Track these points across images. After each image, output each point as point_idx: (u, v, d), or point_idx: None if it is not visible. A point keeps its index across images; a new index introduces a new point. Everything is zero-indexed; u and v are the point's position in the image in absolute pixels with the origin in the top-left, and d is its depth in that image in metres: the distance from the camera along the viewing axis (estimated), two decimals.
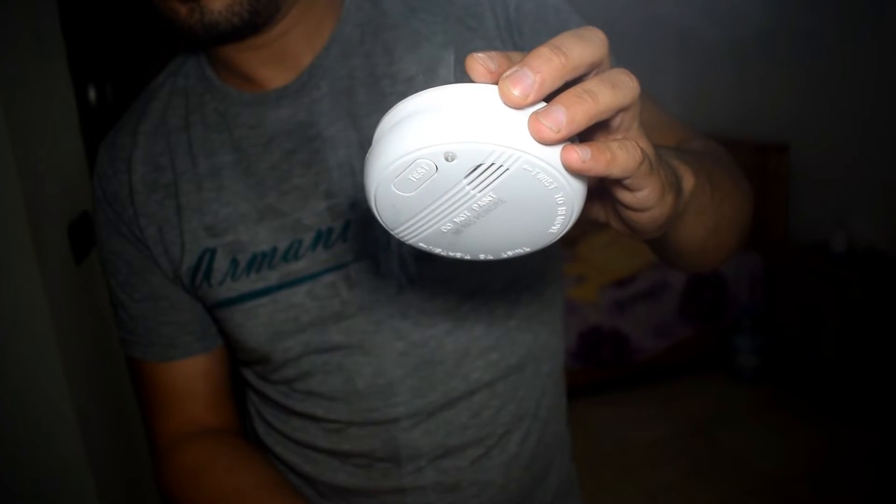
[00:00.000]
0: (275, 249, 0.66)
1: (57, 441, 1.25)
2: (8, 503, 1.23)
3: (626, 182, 0.36)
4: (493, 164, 0.33)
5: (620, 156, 0.34)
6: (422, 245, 0.39)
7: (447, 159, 0.32)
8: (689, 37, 3.42)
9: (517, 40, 0.65)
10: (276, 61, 0.65)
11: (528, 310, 0.74)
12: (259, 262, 0.66)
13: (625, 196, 0.39)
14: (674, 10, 3.31)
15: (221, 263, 0.67)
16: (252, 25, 0.60)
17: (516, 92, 0.32)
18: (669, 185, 0.40)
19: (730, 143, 2.61)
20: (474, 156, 0.32)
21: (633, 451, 2.57)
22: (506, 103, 0.32)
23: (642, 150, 0.35)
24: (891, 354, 2.44)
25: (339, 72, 0.65)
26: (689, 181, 0.45)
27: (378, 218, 0.38)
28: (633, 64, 0.67)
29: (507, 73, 0.32)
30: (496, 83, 0.33)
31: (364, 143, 0.64)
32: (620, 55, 0.64)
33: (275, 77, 0.66)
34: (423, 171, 0.33)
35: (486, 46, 0.65)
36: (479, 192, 0.34)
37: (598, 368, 2.85)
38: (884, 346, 2.45)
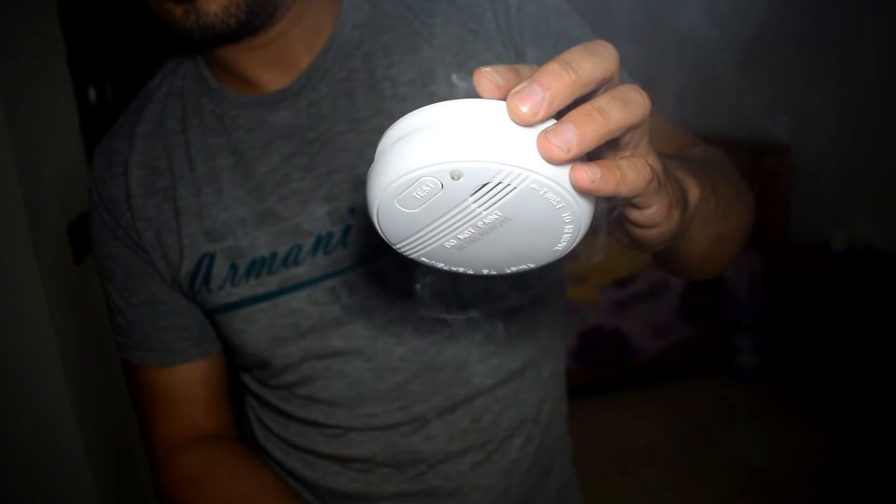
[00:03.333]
0: (274, 254, 0.65)
1: (57, 440, 1.25)
2: (8, 501, 1.23)
3: (635, 200, 0.36)
4: (500, 182, 0.32)
5: (630, 175, 0.33)
6: (424, 260, 0.39)
7: (453, 178, 0.32)
8: (689, 37, 3.41)
9: (518, 42, 0.65)
10: (274, 63, 0.65)
11: (529, 314, 0.73)
12: (259, 267, 0.66)
13: (632, 213, 0.38)
14: (674, 10, 3.30)
15: (221, 268, 0.66)
16: (249, 27, 0.59)
17: (525, 109, 0.31)
18: (677, 201, 0.39)
19: (730, 143, 2.62)
20: (481, 175, 0.32)
21: (633, 451, 2.56)
22: (514, 120, 0.31)
23: (651, 168, 0.34)
24: (891, 354, 2.43)
25: (338, 74, 0.65)
26: (694, 193, 0.44)
27: (380, 233, 0.37)
28: (633, 64, 0.66)
29: (516, 89, 0.31)
30: (503, 98, 0.32)
31: (364, 146, 0.64)
32: (621, 55, 0.64)
33: (273, 79, 0.66)
34: (428, 188, 0.33)
35: (487, 48, 0.65)
36: (485, 210, 0.33)
37: (598, 368, 2.84)
38: (883, 345, 2.44)
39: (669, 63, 3.55)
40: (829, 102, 2.82)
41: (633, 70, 0.65)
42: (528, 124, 0.31)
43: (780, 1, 2.92)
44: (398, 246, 0.38)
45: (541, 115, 0.31)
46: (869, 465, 2.35)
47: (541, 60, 0.57)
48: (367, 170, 0.64)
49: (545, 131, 0.31)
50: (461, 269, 0.40)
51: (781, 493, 2.29)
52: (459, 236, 0.36)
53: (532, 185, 0.32)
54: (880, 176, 2.66)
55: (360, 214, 0.64)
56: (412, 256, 0.39)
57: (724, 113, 3.33)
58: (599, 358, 2.82)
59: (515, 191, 0.32)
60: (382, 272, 0.66)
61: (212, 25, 0.57)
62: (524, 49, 0.65)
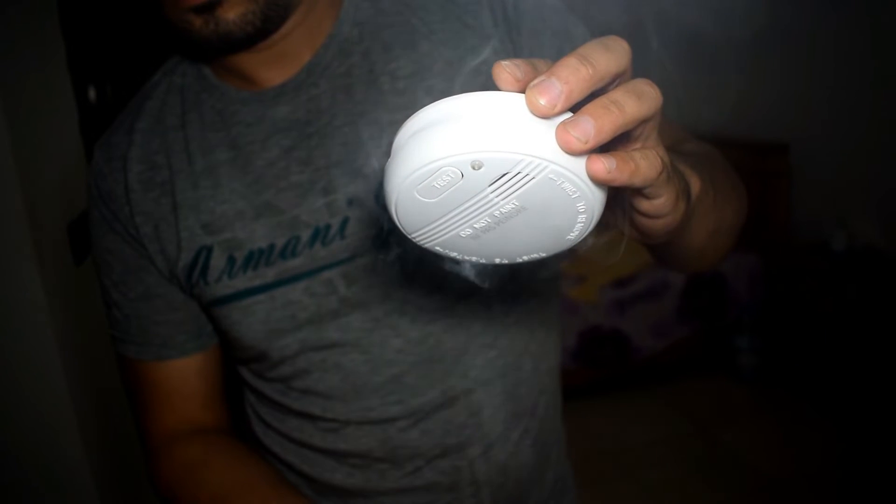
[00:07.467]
0: (272, 246, 0.66)
1: (57, 439, 1.25)
2: (8, 501, 1.23)
3: (645, 191, 0.37)
4: (519, 172, 0.33)
5: (643, 166, 0.34)
6: (438, 249, 0.40)
7: (474, 168, 0.33)
8: (689, 36, 3.41)
9: (515, 38, 0.65)
10: (275, 61, 0.66)
11: (526, 307, 0.74)
12: (256, 259, 0.66)
13: (641, 204, 0.39)
14: (674, 10, 3.31)
15: (218, 261, 0.67)
16: (264, 33, 0.61)
17: (543, 101, 0.32)
18: (682, 192, 0.41)
19: (729, 143, 2.62)
20: (502, 165, 0.33)
21: (633, 450, 2.56)
22: (533, 113, 0.33)
23: (662, 160, 0.36)
24: (890, 354, 2.44)
25: (338, 69, 0.66)
26: (695, 186, 0.45)
27: (397, 222, 0.38)
28: (632, 64, 0.67)
29: (535, 82, 0.32)
30: (521, 91, 0.33)
31: (363, 139, 0.65)
32: None
33: (273, 76, 0.66)
34: (449, 178, 0.33)
35: (485, 44, 0.65)
36: (503, 199, 0.34)
37: (598, 368, 2.85)
38: (883, 346, 2.44)
39: (669, 62, 3.54)
40: (829, 102, 2.83)
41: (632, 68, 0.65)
42: (547, 116, 0.33)
43: (780, 0, 2.93)
44: (414, 235, 0.39)
45: (559, 108, 0.32)
46: (868, 465, 2.35)
47: (537, 57, 0.57)
48: (366, 163, 0.65)
49: (564, 123, 0.32)
50: (474, 259, 0.41)
51: (781, 493, 2.29)
52: (475, 225, 0.37)
53: (550, 176, 0.33)
54: (880, 176, 2.67)
55: (357, 206, 0.65)
56: (427, 246, 0.39)
57: (724, 113, 3.33)
58: (599, 358, 2.82)
59: (533, 181, 0.33)
60: (380, 264, 0.66)
61: (230, 33, 0.59)
62: (521, 45, 0.65)
